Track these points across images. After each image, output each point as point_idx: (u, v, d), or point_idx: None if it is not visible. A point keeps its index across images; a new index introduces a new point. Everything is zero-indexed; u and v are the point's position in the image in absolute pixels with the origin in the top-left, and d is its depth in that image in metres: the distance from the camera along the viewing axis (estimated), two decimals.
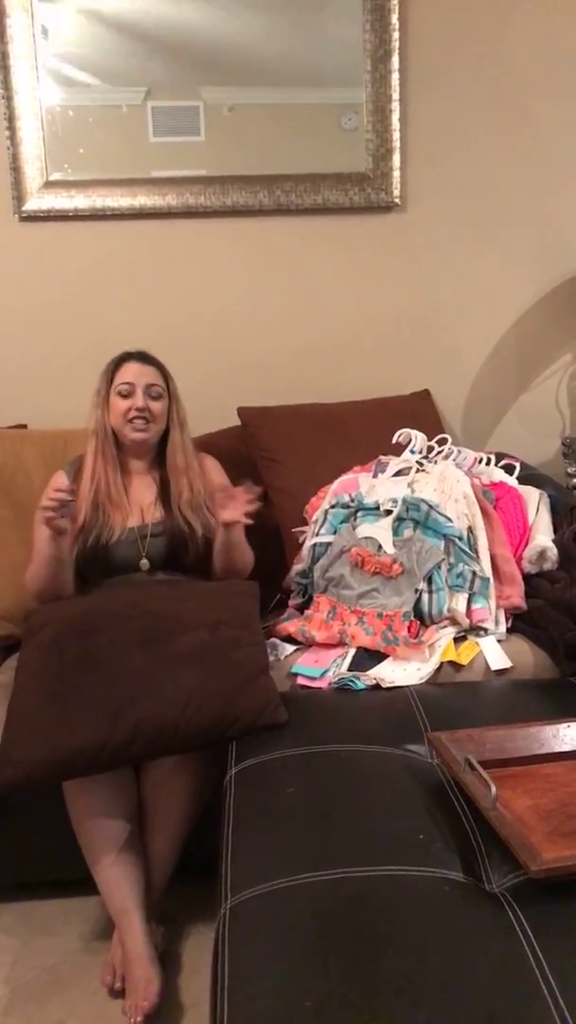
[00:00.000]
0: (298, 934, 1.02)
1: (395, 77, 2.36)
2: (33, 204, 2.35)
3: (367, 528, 1.89)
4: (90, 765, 1.49)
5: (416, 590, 1.78)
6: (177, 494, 1.93)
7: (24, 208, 2.35)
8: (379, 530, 1.87)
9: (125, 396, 1.91)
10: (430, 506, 1.85)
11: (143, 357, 1.96)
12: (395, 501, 1.89)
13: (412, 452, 2.07)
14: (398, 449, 2.10)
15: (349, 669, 1.73)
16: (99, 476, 1.91)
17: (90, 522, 1.87)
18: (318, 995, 0.92)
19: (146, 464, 1.98)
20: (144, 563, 1.88)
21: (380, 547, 1.84)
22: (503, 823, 1.12)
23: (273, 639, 1.85)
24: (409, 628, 1.75)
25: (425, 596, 1.79)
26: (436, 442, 2.12)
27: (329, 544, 1.92)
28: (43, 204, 2.36)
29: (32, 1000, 1.56)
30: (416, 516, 1.85)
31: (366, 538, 1.87)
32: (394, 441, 2.10)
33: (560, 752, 1.32)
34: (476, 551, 1.87)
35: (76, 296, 2.43)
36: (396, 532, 1.86)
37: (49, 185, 2.35)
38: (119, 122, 2.35)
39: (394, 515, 1.87)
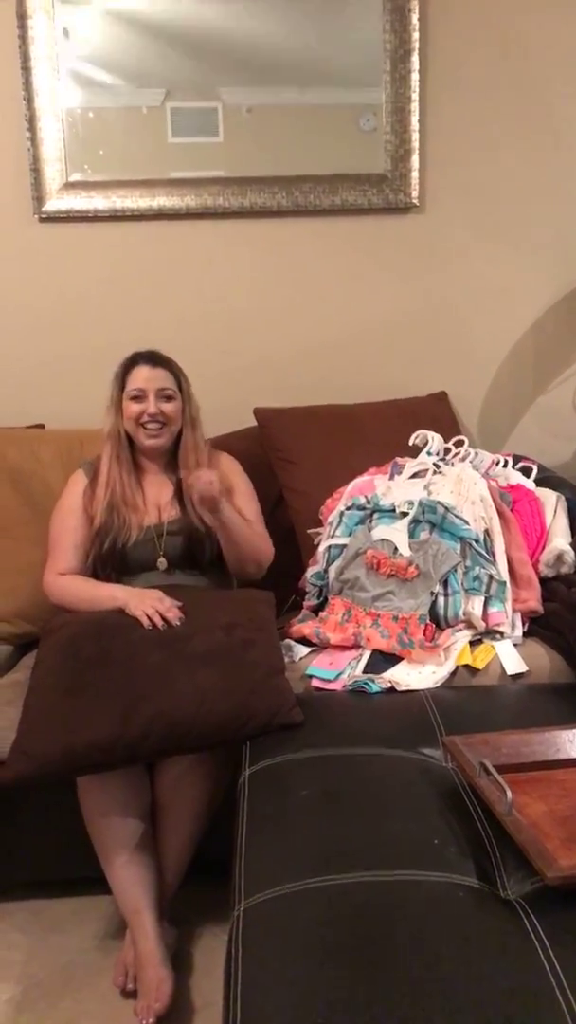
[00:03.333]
0: (311, 938, 1.01)
1: (414, 78, 2.35)
2: (53, 205, 2.36)
3: (383, 530, 1.88)
4: (104, 759, 1.50)
5: (432, 593, 1.77)
6: (189, 490, 1.92)
7: (44, 209, 2.36)
8: (395, 532, 1.86)
9: (137, 401, 1.90)
10: (447, 508, 1.84)
11: (153, 359, 1.93)
12: (411, 503, 1.88)
13: (429, 454, 2.06)
14: (415, 451, 2.09)
15: (364, 671, 1.72)
16: (114, 480, 1.91)
17: (106, 525, 1.88)
18: (331, 1000, 0.92)
19: (161, 464, 1.98)
20: (161, 562, 1.88)
21: (396, 549, 1.84)
22: (518, 829, 1.11)
23: (288, 640, 1.85)
24: (424, 631, 1.74)
25: (441, 599, 1.78)
26: (453, 444, 2.11)
27: (344, 546, 1.91)
28: (63, 205, 2.37)
29: (44, 999, 1.56)
30: (432, 518, 1.84)
31: (382, 540, 1.86)
32: (411, 443, 2.09)
33: None
34: (493, 554, 1.86)
35: (94, 296, 2.44)
36: (412, 534, 1.85)
37: (69, 186, 2.36)
38: (138, 123, 2.35)
39: (410, 517, 1.86)
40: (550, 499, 2.03)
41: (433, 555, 1.79)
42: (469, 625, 1.80)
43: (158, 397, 1.90)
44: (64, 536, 1.91)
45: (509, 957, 0.96)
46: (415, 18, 2.31)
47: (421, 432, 2.09)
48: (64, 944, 1.69)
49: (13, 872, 1.80)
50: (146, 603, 1.72)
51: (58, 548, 1.91)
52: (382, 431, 2.26)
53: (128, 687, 1.54)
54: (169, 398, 1.91)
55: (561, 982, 0.92)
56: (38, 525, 2.06)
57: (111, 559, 1.87)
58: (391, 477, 2.03)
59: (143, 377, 1.90)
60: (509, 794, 1.14)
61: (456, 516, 1.83)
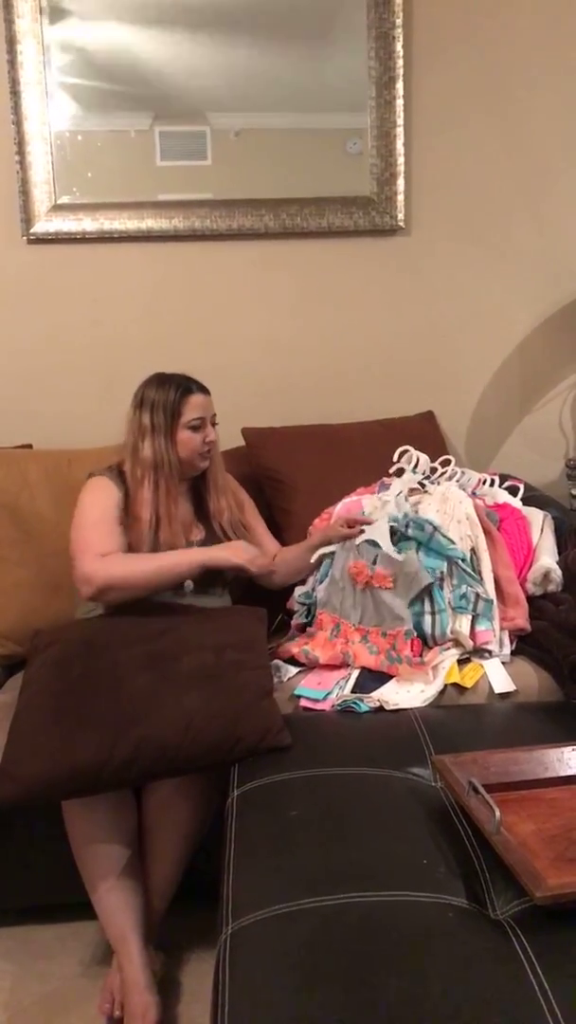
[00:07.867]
0: (300, 960, 1.00)
1: (399, 103, 2.38)
2: (41, 227, 2.38)
3: (367, 530, 1.87)
4: (91, 783, 1.48)
5: (411, 601, 1.77)
6: (219, 512, 1.95)
7: (32, 231, 2.37)
8: (377, 531, 1.85)
9: (197, 430, 1.89)
10: (435, 527, 1.84)
11: (200, 386, 1.92)
12: (396, 519, 1.88)
13: (414, 472, 2.07)
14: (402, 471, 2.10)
15: (352, 691, 1.71)
16: (163, 514, 1.85)
17: None
18: (319, 1022, 0.91)
19: (187, 482, 1.97)
20: (188, 584, 1.86)
21: (376, 558, 1.82)
22: (507, 848, 1.11)
23: (276, 661, 1.84)
24: (412, 646, 1.74)
25: (428, 617, 1.78)
26: (440, 463, 2.12)
27: (333, 554, 1.91)
28: (51, 227, 2.38)
29: None
30: (419, 536, 1.84)
31: (368, 542, 1.85)
32: (395, 459, 2.10)
33: (565, 776, 1.31)
34: (480, 573, 1.86)
35: (83, 317, 2.44)
36: (397, 549, 1.85)
37: (57, 208, 2.37)
38: (127, 146, 2.37)
39: (392, 517, 1.85)
40: (537, 517, 2.04)
41: (405, 574, 1.79)
42: (457, 644, 1.80)
43: (212, 423, 1.93)
44: (104, 524, 1.80)
45: (499, 977, 0.96)
46: (399, 45, 2.34)
47: (405, 447, 2.10)
48: (50, 971, 1.67)
49: None
50: (239, 552, 1.81)
51: (97, 532, 1.79)
52: (370, 451, 2.26)
53: (116, 710, 1.52)
54: (215, 423, 1.94)
55: (550, 1002, 0.91)
56: (25, 545, 2.05)
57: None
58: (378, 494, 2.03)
59: (201, 405, 1.90)
60: (498, 813, 1.14)
61: (443, 535, 1.83)
